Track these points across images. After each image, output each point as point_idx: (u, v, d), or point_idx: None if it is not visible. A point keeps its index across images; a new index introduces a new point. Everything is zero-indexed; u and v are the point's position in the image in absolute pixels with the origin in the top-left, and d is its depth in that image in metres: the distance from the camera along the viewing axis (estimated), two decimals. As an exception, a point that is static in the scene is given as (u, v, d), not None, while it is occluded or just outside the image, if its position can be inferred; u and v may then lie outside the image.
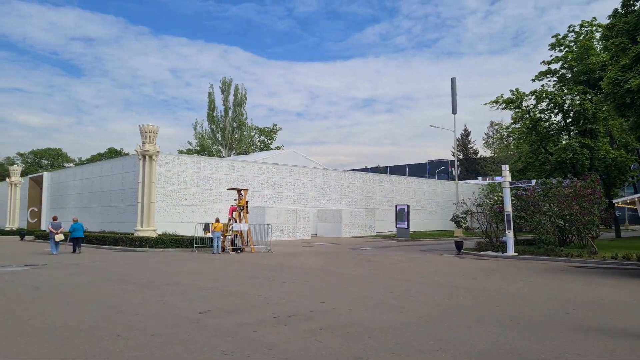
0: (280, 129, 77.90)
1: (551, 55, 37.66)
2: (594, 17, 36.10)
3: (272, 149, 74.83)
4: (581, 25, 36.69)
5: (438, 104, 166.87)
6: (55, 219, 24.95)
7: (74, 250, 23.77)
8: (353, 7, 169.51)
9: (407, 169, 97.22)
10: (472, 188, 57.86)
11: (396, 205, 40.27)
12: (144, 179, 28.44)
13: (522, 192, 24.29)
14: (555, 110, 36.35)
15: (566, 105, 35.00)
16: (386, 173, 79.55)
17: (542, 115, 36.85)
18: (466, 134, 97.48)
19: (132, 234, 28.62)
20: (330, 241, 34.13)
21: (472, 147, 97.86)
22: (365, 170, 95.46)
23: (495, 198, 26.38)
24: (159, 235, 28.01)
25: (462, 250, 23.58)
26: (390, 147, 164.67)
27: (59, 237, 23.09)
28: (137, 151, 28.73)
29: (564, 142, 35.52)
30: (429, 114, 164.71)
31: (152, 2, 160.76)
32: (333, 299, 10.35)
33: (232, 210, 25.05)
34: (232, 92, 70.31)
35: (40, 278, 13.89)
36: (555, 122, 36.80)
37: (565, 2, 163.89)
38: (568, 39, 37.12)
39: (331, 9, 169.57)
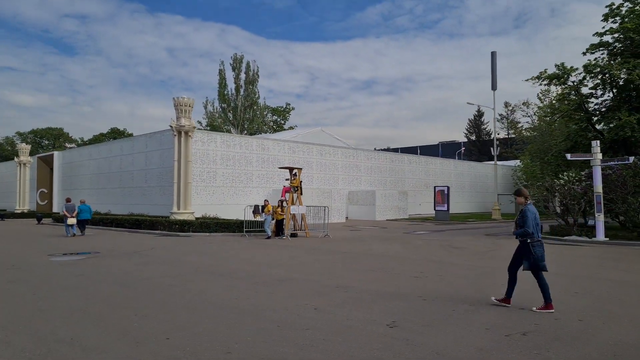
0: (293, 108, 75.24)
1: (603, 27, 35.24)
2: (654, -15, 33.58)
3: (285, 129, 72.24)
4: (639, -6, 34.17)
5: (439, 86, 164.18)
6: (68, 200, 23.86)
7: (82, 233, 22.98)
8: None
9: (419, 151, 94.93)
10: (502, 169, 55.84)
11: (435, 187, 38.07)
12: (180, 157, 25.92)
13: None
14: (608, 87, 34.02)
15: (621, 81, 32.67)
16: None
17: (593, 92, 34.52)
18: (479, 115, 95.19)
19: (166, 217, 26.32)
20: (371, 225, 31.93)
21: (484, 129, 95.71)
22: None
23: (566, 178, 24.23)
24: (198, 218, 25.70)
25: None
26: (390, 130, 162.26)
27: (72, 221, 22.20)
28: (171, 126, 26.17)
29: (618, 120, 33.29)
30: (430, 96, 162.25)
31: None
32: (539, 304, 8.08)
33: (286, 191, 22.71)
34: (243, 69, 67.53)
35: (113, 270, 11.53)
36: (608, 98, 34.51)
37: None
38: (623, 8, 34.66)
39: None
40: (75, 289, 9.13)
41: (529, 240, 7.45)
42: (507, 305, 7.63)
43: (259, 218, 22.75)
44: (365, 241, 20.05)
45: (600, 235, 19.63)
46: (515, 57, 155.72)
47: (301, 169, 23.80)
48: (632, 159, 19.61)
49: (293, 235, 22.14)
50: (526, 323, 6.71)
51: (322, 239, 21.27)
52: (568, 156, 20.89)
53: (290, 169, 22.98)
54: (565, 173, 24.78)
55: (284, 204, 22.07)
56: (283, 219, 21.80)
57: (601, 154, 20.01)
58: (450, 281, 10.13)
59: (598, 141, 20.50)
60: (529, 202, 7.67)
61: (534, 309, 7.43)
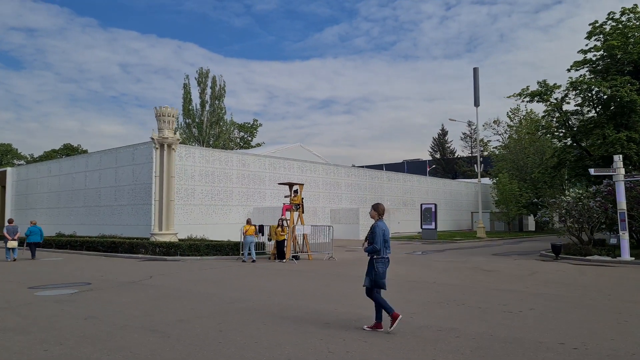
0: (260, 124, 73.01)
1: (587, 45, 35.43)
2: (635, 4, 34.05)
3: (252, 146, 69.91)
4: (622, 13, 34.59)
5: (395, 106, 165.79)
6: (10, 222, 21.65)
7: (33, 257, 21.02)
8: (312, 7, 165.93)
9: (384, 168, 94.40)
10: (477, 187, 55.40)
11: (422, 205, 36.83)
12: (161, 172, 23.36)
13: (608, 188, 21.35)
14: (592, 104, 33.98)
15: (605, 97, 32.67)
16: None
17: (578, 109, 34.42)
18: (443, 133, 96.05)
19: (143, 238, 23.70)
20: (360, 245, 30.09)
21: (449, 147, 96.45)
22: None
23: (573, 195, 23.39)
24: (183, 239, 23.21)
25: (560, 255, 20.30)
26: (348, 149, 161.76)
27: (12, 244, 20.09)
28: (152, 138, 23.63)
29: (608, 136, 33.23)
30: (387, 115, 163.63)
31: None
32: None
33: (286, 209, 20.64)
34: (209, 84, 65.18)
35: (126, 309, 9.13)
36: (594, 115, 34.47)
37: (515, 11, 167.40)
38: (607, 26, 34.94)
39: (290, 8, 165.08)
40: (97, 340, 6.78)
41: (374, 256, 7.30)
42: (379, 330, 7.25)
43: (256, 239, 20.50)
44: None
45: (626, 254, 18.63)
46: (469, 80, 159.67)
47: (302, 184, 21.83)
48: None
49: (295, 257, 20.04)
50: None
51: (329, 261, 19.33)
52: (592, 171, 19.93)
53: (290, 185, 20.97)
54: (572, 189, 23.95)
55: (285, 223, 19.99)
56: (284, 240, 19.69)
57: (622, 167, 19.21)
58: (557, 317, 8.42)
59: (620, 155, 19.70)
60: (381, 218, 7.49)
61: (365, 327, 7.37)
